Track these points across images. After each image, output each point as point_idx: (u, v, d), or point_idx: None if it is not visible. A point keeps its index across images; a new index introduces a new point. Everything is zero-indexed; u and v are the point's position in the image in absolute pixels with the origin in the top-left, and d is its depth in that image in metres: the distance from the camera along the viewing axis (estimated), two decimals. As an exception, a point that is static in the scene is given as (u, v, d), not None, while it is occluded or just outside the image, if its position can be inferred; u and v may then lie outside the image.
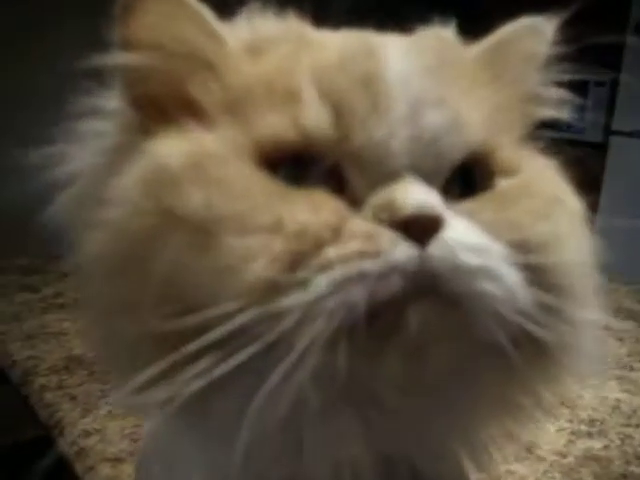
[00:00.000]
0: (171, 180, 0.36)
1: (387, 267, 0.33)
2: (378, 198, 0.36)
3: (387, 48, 0.40)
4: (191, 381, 0.33)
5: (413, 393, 0.38)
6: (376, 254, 0.33)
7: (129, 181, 0.37)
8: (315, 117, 0.37)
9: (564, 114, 0.47)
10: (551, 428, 0.91)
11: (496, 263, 0.35)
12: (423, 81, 0.38)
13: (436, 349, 0.35)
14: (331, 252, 0.34)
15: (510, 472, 0.81)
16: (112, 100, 0.42)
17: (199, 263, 0.34)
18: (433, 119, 0.38)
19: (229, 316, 0.33)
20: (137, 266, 0.35)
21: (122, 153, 0.39)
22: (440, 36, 0.44)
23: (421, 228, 0.34)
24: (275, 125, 0.37)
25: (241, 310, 0.33)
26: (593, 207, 0.44)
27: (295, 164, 0.37)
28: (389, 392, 0.37)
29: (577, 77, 0.45)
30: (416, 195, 0.35)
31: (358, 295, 0.33)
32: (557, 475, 0.84)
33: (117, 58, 0.40)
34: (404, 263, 0.33)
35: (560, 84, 0.46)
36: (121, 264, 0.36)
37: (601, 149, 3.15)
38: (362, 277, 0.33)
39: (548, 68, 0.46)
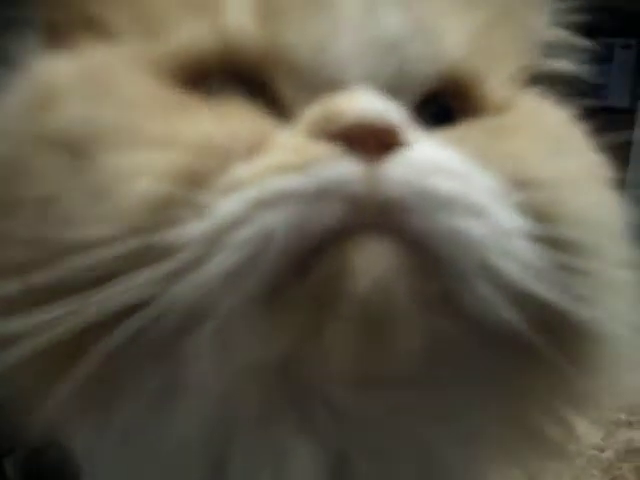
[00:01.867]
0: (51, 98, 0.28)
1: (319, 185, 0.24)
2: (315, 110, 0.27)
3: None
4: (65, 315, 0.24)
5: (373, 390, 0.28)
6: (304, 168, 0.24)
7: (9, 106, 0.30)
8: (237, 17, 0.29)
9: (578, 67, 0.38)
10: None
11: (483, 195, 0.26)
12: None
13: (403, 318, 0.25)
14: (242, 169, 0.25)
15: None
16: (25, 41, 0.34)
17: (72, 190, 0.26)
18: (393, 20, 0.29)
19: (102, 244, 0.24)
20: (15, 203, 0.27)
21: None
22: None
23: (371, 140, 0.25)
24: (190, 32, 0.29)
25: (113, 239, 0.24)
26: (621, 182, 0.36)
27: (221, 81, 0.29)
28: (339, 387, 0.27)
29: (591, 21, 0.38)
30: (366, 101, 0.26)
31: (277, 222, 0.24)
32: (596, 472, 0.77)
33: None
34: (344, 182, 0.24)
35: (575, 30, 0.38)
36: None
37: (628, 114, 3.01)
38: (283, 198, 0.24)
39: (555, 9, 0.38)
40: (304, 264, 0.24)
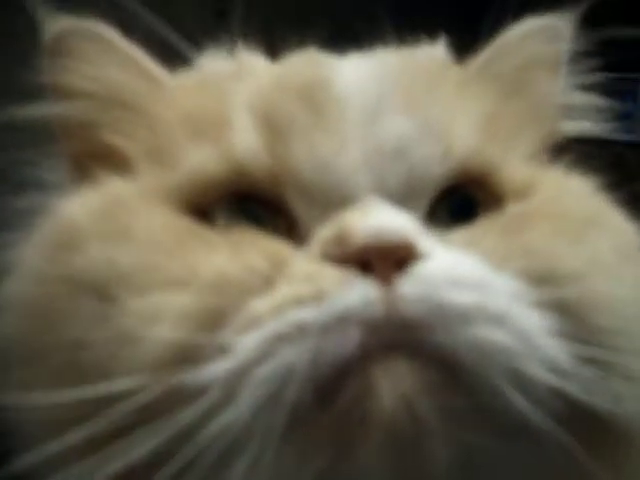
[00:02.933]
0: (75, 239, 0.29)
1: (334, 315, 0.24)
2: (326, 230, 0.27)
3: (338, 60, 0.33)
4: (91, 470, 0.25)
5: None
6: (316, 298, 0.24)
7: (33, 247, 0.31)
8: (245, 141, 0.30)
9: (601, 125, 0.37)
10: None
11: (502, 300, 0.25)
12: (383, 85, 0.31)
13: (431, 436, 0.24)
14: (258, 304, 0.25)
15: None
16: (54, 170, 0.37)
17: (101, 335, 0.26)
18: (397, 125, 0.29)
19: (127, 395, 0.24)
20: (41, 348, 0.28)
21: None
22: (421, 52, 0.36)
23: (384, 260, 0.25)
24: (202, 161, 0.30)
25: (141, 387, 0.24)
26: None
27: (234, 206, 0.30)
28: None
29: (613, 77, 0.36)
30: (375, 218, 0.26)
31: (296, 356, 0.24)
32: None
33: (46, 109, 0.35)
34: (360, 308, 0.24)
35: (593, 88, 0.37)
36: (27, 349, 0.29)
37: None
38: (300, 332, 0.24)
39: (572, 71, 0.37)
40: (329, 390, 0.24)
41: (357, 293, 0.24)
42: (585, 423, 0.26)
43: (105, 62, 0.35)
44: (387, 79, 0.31)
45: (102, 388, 0.25)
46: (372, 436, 0.24)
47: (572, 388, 0.25)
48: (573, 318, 0.27)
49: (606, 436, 0.27)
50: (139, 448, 0.24)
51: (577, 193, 0.34)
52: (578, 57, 0.37)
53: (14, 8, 0.34)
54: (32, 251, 0.31)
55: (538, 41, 0.37)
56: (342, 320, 0.24)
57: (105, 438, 0.25)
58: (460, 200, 0.31)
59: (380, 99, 0.30)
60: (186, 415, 0.24)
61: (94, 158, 0.33)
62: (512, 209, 0.31)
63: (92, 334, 0.27)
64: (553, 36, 0.37)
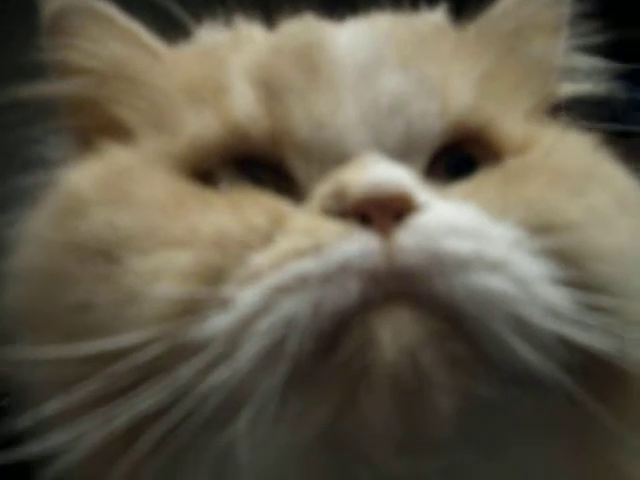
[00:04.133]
0: (79, 206, 0.30)
1: (333, 265, 0.24)
2: (325, 186, 0.27)
3: (333, 24, 0.33)
4: (99, 424, 0.26)
5: (417, 455, 0.27)
6: (316, 250, 0.25)
7: (39, 216, 0.32)
8: (244, 105, 0.30)
9: (602, 87, 0.37)
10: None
11: (500, 248, 0.26)
12: (378, 44, 0.31)
13: (435, 380, 0.25)
14: (258, 258, 0.26)
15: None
16: (58, 147, 0.37)
17: (105, 296, 0.27)
18: (393, 82, 0.30)
19: (131, 351, 0.25)
20: (48, 314, 0.29)
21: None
22: (419, 17, 0.36)
23: (383, 212, 0.25)
24: (201, 126, 0.30)
25: (145, 343, 0.25)
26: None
27: (235, 168, 0.30)
28: (380, 453, 0.26)
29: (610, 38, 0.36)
30: (373, 172, 0.26)
31: (297, 308, 0.24)
32: None
33: (49, 87, 0.36)
34: (360, 259, 0.24)
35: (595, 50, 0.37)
36: (38, 315, 0.30)
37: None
38: (300, 283, 0.24)
39: (572, 32, 0.37)
40: (331, 341, 0.24)
41: (356, 244, 0.25)
42: (588, 369, 0.26)
43: (104, 37, 0.35)
44: (382, 39, 0.31)
45: (108, 343, 0.25)
46: (375, 386, 0.24)
47: (574, 333, 0.25)
48: (572, 265, 0.27)
49: (609, 381, 0.27)
50: (144, 402, 0.25)
51: (575, 148, 0.33)
52: (578, 19, 0.37)
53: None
54: (39, 220, 0.32)
55: (537, 4, 0.37)
56: (342, 270, 0.24)
57: (110, 394, 0.25)
58: (458, 157, 0.31)
59: (375, 57, 0.30)
60: (190, 368, 0.25)
61: (98, 131, 0.34)
62: (511, 163, 0.31)
63: (98, 295, 0.27)
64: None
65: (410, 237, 0.25)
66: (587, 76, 0.37)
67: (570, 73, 0.37)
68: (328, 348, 0.24)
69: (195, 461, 0.27)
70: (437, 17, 0.37)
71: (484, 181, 0.30)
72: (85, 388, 0.25)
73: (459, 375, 0.25)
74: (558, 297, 0.26)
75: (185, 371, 0.25)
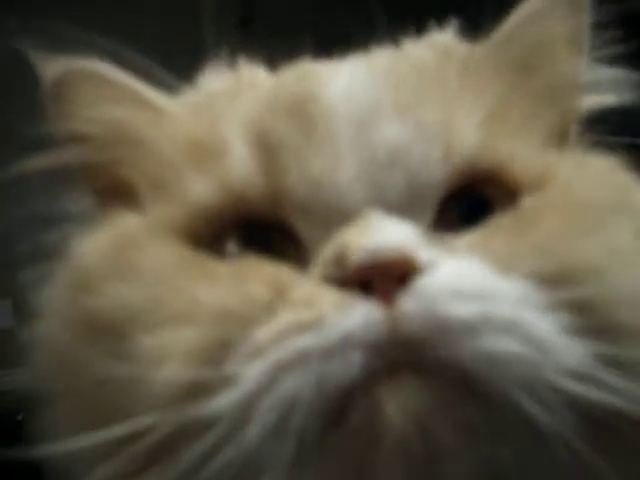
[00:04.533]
0: (88, 281, 0.30)
1: (334, 339, 0.24)
2: (328, 250, 0.27)
3: (328, 68, 0.32)
4: None
5: None
6: (316, 324, 0.24)
7: (56, 289, 0.32)
8: (241, 168, 0.29)
9: (626, 98, 0.34)
10: None
11: (509, 307, 0.24)
12: (373, 91, 0.29)
13: (446, 452, 0.24)
14: (262, 333, 0.25)
15: None
16: (74, 200, 0.37)
17: (118, 374, 0.27)
18: (391, 132, 0.28)
19: (143, 433, 0.25)
20: (70, 385, 0.29)
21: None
22: (425, 44, 0.35)
23: (385, 279, 0.24)
24: (201, 192, 0.30)
25: (155, 425, 0.25)
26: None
27: (242, 233, 0.29)
28: None
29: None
30: (374, 235, 0.25)
31: (300, 383, 0.24)
32: None
33: (55, 157, 0.35)
34: (361, 330, 0.24)
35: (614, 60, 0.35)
36: (61, 385, 0.30)
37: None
38: (302, 358, 0.24)
39: (591, 45, 0.34)
40: (338, 414, 0.24)
41: (357, 315, 0.24)
42: (603, 426, 0.25)
43: (105, 101, 0.34)
44: (379, 83, 0.30)
45: (117, 430, 0.25)
46: (385, 457, 0.24)
47: (589, 392, 0.24)
48: (592, 316, 0.25)
49: (621, 439, 0.26)
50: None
51: (596, 176, 0.31)
52: (597, 29, 0.34)
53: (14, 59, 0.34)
54: (56, 293, 0.32)
55: (555, 15, 0.34)
56: (343, 344, 0.24)
57: (127, 473, 0.26)
58: (471, 201, 0.29)
59: (372, 105, 0.29)
60: (199, 446, 0.24)
61: (112, 195, 0.34)
62: (525, 203, 0.29)
63: (112, 373, 0.27)
64: (571, 9, 0.34)
65: (413, 303, 0.24)
66: (610, 88, 0.35)
67: (592, 86, 0.35)
68: (336, 421, 0.24)
69: None
70: (446, 38, 0.35)
71: (494, 228, 0.28)
72: (104, 469, 0.26)
73: (470, 439, 0.24)
74: (575, 352, 0.25)
75: (194, 450, 0.25)
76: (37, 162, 0.35)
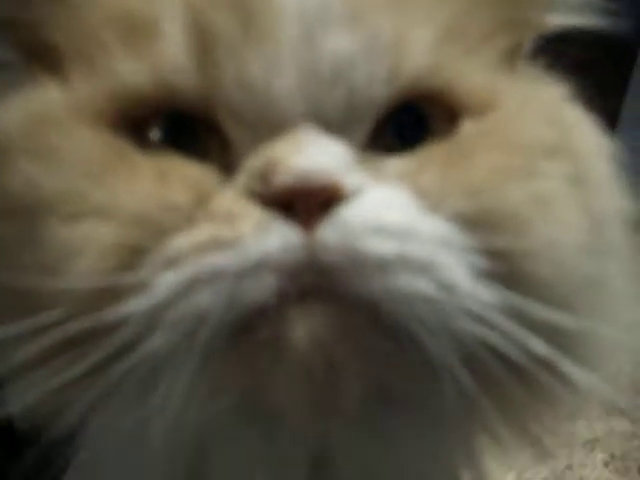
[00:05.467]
0: (2, 152, 0.28)
1: (250, 261, 0.24)
2: (255, 161, 0.26)
3: None
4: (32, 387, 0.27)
5: (332, 420, 0.28)
6: (234, 242, 0.24)
7: None
8: (175, 57, 0.27)
9: (589, 19, 0.33)
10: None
11: (428, 248, 0.25)
12: None
13: (344, 374, 0.26)
14: (178, 242, 0.25)
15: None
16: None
17: (29, 260, 0.26)
18: (340, 42, 0.26)
19: (53, 326, 0.25)
20: None
21: None
22: None
23: (308, 204, 0.24)
24: (131, 73, 0.27)
25: (64, 320, 0.25)
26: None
27: (168, 122, 0.28)
28: (297, 417, 0.28)
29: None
30: (304, 155, 0.25)
31: (211, 300, 0.24)
32: None
33: None
34: (279, 254, 0.24)
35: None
36: None
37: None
38: (216, 276, 0.24)
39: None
40: (244, 332, 0.25)
41: (276, 237, 0.24)
42: (493, 369, 0.26)
43: None
44: None
45: (27, 323, 0.25)
46: (284, 372, 0.25)
47: (493, 339, 0.25)
48: (507, 265, 0.26)
49: (521, 385, 0.27)
50: (63, 373, 0.25)
51: (539, 112, 0.30)
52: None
53: None
54: None
55: None
56: (258, 266, 0.24)
57: (30, 363, 0.26)
58: (408, 117, 0.29)
59: (321, 10, 0.26)
60: (104, 349, 0.25)
61: (33, 55, 0.31)
62: (464, 130, 0.28)
63: (23, 258, 0.27)
64: None
65: (333, 233, 0.24)
66: (576, 9, 0.33)
67: (557, 4, 0.34)
68: (240, 338, 0.25)
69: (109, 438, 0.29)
70: None
71: (428, 156, 0.28)
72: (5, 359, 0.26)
73: (368, 365, 0.26)
74: (484, 299, 0.25)
75: (100, 350, 0.25)
76: None
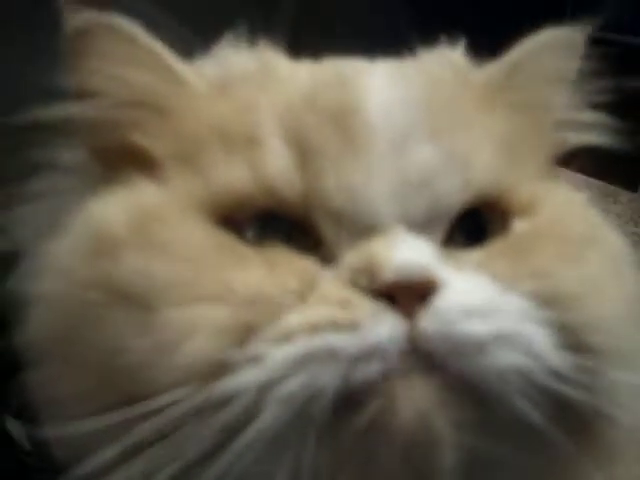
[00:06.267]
0: (111, 247, 0.30)
1: (367, 347, 0.26)
2: (356, 257, 0.29)
3: (366, 76, 0.33)
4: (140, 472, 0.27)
5: None
6: (352, 327, 0.27)
7: (70, 246, 0.32)
8: (278, 164, 0.31)
9: (603, 139, 0.38)
10: None
11: (515, 323, 0.28)
12: (411, 112, 0.32)
13: (442, 444, 0.27)
14: (293, 318, 0.27)
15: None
16: (70, 152, 0.37)
17: (139, 343, 0.28)
18: (424, 156, 0.31)
19: (166, 401, 0.26)
20: (78, 348, 0.30)
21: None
22: (441, 59, 0.37)
23: (410, 296, 0.27)
24: (233, 177, 0.31)
25: (179, 394, 0.26)
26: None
27: (263, 222, 0.31)
28: None
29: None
30: (402, 254, 0.28)
31: (327, 377, 0.26)
32: None
33: (68, 108, 0.35)
34: (388, 340, 0.27)
35: (597, 105, 0.38)
36: (61, 346, 0.30)
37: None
38: (333, 355, 0.26)
39: (581, 87, 0.38)
40: (353, 403, 0.26)
41: (387, 326, 0.27)
42: (572, 422, 0.29)
43: (127, 59, 0.34)
44: (414, 104, 0.32)
45: (142, 407, 0.26)
46: (393, 444, 0.27)
47: (573, 392, 0.28)
48: (572, 336, 0.29)
49: (588, 432, 0.30)
50: (171, 454, 0.26)
51: (577, 210, 0.36)
52: (589, 75, 0.38)
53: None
54: (66, 251, 0.32)
55: (557, 55, 0.38)
56: (372, 351, 0.26)
57: (140, 447, 0.27)
58: (474, 222, 0.33)
59: (407, 127, 0.31)
60: (218, 421, 0.26)
61: (120, 156, 0.34)
62: (518, 229, 0.33)
63: (130, 341, 0.28)
64: (570, 51, 0.38)
65: (432, 321, 0.27)
66: (591, 129, 0.39)
67: (575, 125, 0.39)
68: (350, 413, 0.26)
69: None
70: (456, 57, 0.38)
71: (495, 250, 0.32)
72: (118, 445, 0.27)
73: (464, 434, 0.27)
74: (560, 362, 0.29)
75: (213, 424, 0.26)
76: (47, 112, 0.34)
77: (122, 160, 0.34)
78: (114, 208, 0.32)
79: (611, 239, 0.35)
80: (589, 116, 0.38)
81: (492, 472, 0.30)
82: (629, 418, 0.31)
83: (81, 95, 0.35)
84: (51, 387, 0.31)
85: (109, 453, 0.27)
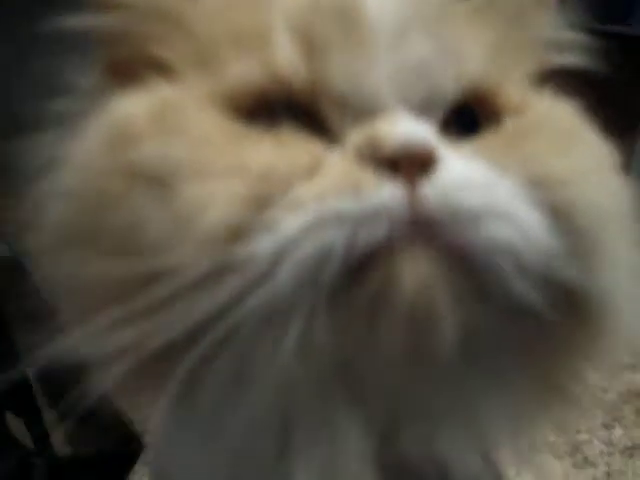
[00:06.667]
0: (132, 136, 0.32)
1: (370, 208, 0.28)
2: (360, 134, 0.31)
3: None
4: (152, 332, 0.29)
5: (421, 375, 0.32)
6: (356, 192, 0.29)
7: (90, 143, 0.34)
8: (285, 57, 0.33)
9: (584, 60, 0.41)
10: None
11: (507, 200, 0.30)
12: (408, 8, 0.34)
13: (443, 314, 0.29)
14: (303, 190, 0.29)
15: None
16: (89, 75, 0.39)
17: (158, 216, 0.30)
18: (420, 47, 0.34)
19: (186, 267, 0.28)
20: (97, 233, 0.31)
21: (87, 117, 0.36)
22: None
23: (411, 165, 0.29)
24: (245, 71, 0.33)
25: (196, 261, 0.28)
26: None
27: (273, 112, 0.33)
28: (390, 372, 0.32)
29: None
30: (404, 127, 0.30)
31: (335, 239, 0.28)
32: (598, 413, 0.80)
33: (87, 20, 0.37)
34: (390, 205, 0.28)
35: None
36: (80, 234, 0.32)
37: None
38: (340, 218, 0.28)
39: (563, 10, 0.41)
40: (359, 274, 0.28)
41: (388, 191, 0.29)
42: (568, 306, 0.32)
43: None
44: (409, 4, 0.35)
45: (161, 261, 0.29)
46: (394, 311, 0.29)
47: (562, 272, 0.31)
48: (562, 218, 0.32)
49: (587, 310, 0.33)
50: (183, 320, 0.28)
51: (563, 112, 0.39)
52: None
53: None
54: (85, 147, 0.34)
55: None
56: (375, 213, 0.28)
57: (154, 308, 0.28)
58: (466, 116, 0.35)
59: (405, 21, 0.34)
60: (233, 284, 0.28)
61: (137, 66, 0.36)
62: (510, 124, 0.36)
63: (149, 215, 0.30)
64: None
65: (432, 189, 0.29)
66: (570, 50, 0.42)
67: (557, 46, 0.42)
68: (356, 280, 0.28)
69: (214, 377, 0.31)
70: None
71: (489, 140, 0.34)
72: (128, 305, 0.29)
73: (464, 308, 0.29)
74: (550, 243, 0.31)
75: (228, 287, 0.28)
76: (65, 23, 0.36)
77: (139, 72, 0.36)
78: (133, 105, 0.34)
79: (597, 142, 0.38)
80: (570, 37, 0.41)
81: (487, 353, 0.33)
82: (619, 320, 0.34)
83: (98, 7, 0.37)
84: (69, 278, 0.33)
85: (116, 313, 0.29)
